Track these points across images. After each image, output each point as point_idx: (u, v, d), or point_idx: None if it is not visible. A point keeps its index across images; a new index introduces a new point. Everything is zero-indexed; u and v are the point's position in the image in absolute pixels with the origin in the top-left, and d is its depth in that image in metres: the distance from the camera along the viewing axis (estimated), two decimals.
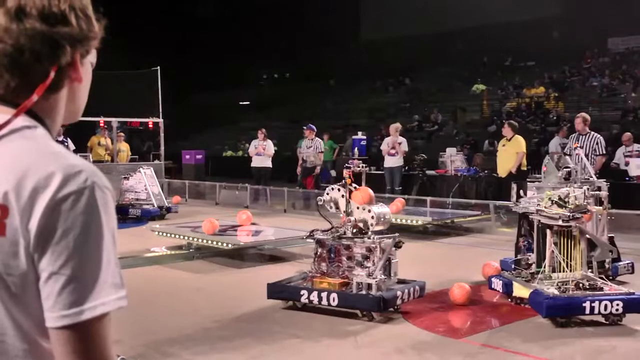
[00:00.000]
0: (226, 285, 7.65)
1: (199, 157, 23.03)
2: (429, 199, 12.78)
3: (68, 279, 1.11)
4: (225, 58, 40.26)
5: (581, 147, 10.08)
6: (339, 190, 6.51)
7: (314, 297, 6.19)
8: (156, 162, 19.10)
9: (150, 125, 19.66)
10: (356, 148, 17.62)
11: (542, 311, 5.70)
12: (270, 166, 16.11)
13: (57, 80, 1.22)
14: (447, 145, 17.80)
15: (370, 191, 6.56)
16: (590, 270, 6.14)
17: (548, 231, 6.12)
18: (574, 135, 11.18)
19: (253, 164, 16.14)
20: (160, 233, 9.77)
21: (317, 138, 15.82)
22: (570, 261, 6.07)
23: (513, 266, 6.79)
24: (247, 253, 9.29)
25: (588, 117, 11.19)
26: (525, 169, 12.33)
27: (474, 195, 12.93)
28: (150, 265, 8.78)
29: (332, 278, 6.32)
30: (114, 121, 18.44)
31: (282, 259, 9.15)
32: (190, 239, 9.35)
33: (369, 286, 6.06)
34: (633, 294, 5.80)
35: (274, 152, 16.29)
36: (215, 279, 8.04)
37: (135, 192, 13.55)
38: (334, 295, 6.10)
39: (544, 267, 6.14)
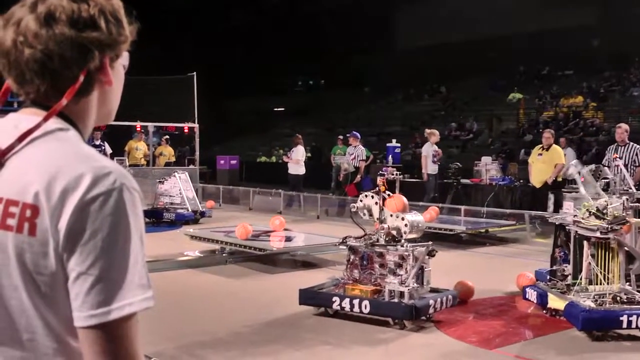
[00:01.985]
0: (258, 291, 7.67)
1: (233, 162, 23.22)
2: (463, 207, 12.67)
3: (96, 279, 1.12)
4: (260, 65, 40.51)
5: (620, 158, 9.90)
6: (372, 197, 6.50)
7: (346, 304, 6.18)
8: (191, 167, 19.28)
9: (186, 130, 19.89)
10: (390, 156, 17.77)
11: (578, 324, 5.61)
12: (302, 173, 16.14)
13: (87, 84, 1.23)
14: (482, 154, 17.67)
15: (404, 199, 6.55)
16: (628, 283, 6.02)
17: (585, 243, 6.03)
18: (612, 146, 10.99)
19: (289, 170, 16.26)
20: (194, 237, 9.85)
21: (360, 146, 15.91)
22: (608, 274, 5.96)
23: (548, 277, 6.69)
24: (280, 258, 9.29)
25: (628, 127, 11.02)
26: (561, 179, 12.16)
27: (509, 205, 12.77)
28: (183, 269, 8.84)
29: (365, 285, 6.31)
30: (150, 126, 18.69)
31: (314, 265, 9.15)
32: (224, 243, 9.39)
33: (401, 294, 6.03)
34: None
35: (300, 158, 16.16)
36: (247, 283, 8.07)
37: (170, 196, 13.68)
38: (365, 302, 6.09)
39: (581, 279, 6.04)
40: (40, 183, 1.15)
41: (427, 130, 15.32)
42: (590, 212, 5.94)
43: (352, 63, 40.21)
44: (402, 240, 6.27)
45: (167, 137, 19.52)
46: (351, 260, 6.47)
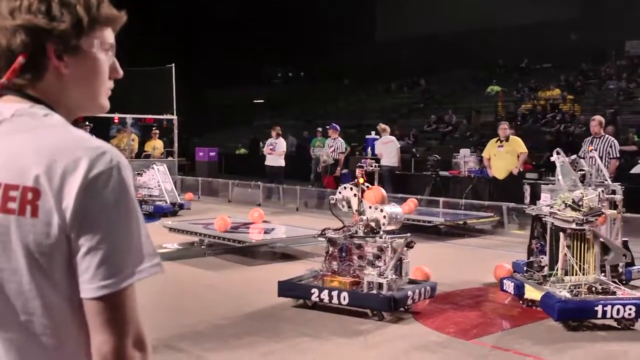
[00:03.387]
0: (237, 283, 7.69)
1: (212, 154, 23.15)
2: (441, 199, 12.75)
3: (107, 252, 1.19)
4: (240, 56, 40.35)
5: (595, 150, 10.02)
6: (351, 189, 6.53)
7: (325, 295, 6.22)
8: (170, 159, 19.22)
9: (165, 122, 19.78)
10: (370, 147, 17.77)
11: (554, 314, 5.68)
12: (283, 165, 16.13)
13: (34, 67, 1.29)
14: (460, 146, 17.76)
15: (383, 191, 6.60)
16: (603, 274, 6.10)
17: (561, 234, 6.08)
18: (588, 138, 11.10)
19: (267, 162, 16.20)
20: (173, 229, 9.82)
21: (339, 138, 15.90)
22: (583, 265, 6.03)
23: (525, 268, 6.75)
24: (259, 251, 9.31)
25: (602, 120, 11.12)
26: (521, 169, 12.35)
27: (486, 197, 12.86)
28: (162, 261, 8.75)
29: (343, 277, 6.35)
30: (128, 118, 18.56)
31: (293, 257, 9.17)
32: (203, 235, 9.39)
33: (380, 285, 6.07)
34: None
35: (284, 150, 16.26)
36: (227, 276, 8.08)
37: (148, 188, 13.61)
38: (344, 294, 6.13)
39: (557, 270, 6.11)
40: (40, 167, 1.20)
41: (381, 126, 15.53)
42: (566, 203, 5.99)
43: (332, 55, 40.22)
44: (381, 232, 6.31)
45: (157, 130, 19.45)
46: (330, 252, 6.50)
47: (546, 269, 6.41)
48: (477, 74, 33.35)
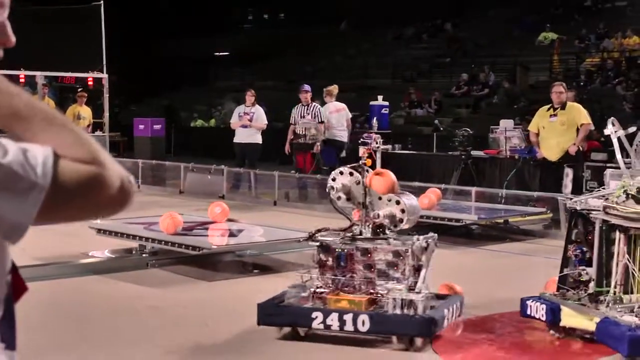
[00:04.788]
0: (192, 304, 7.66)
1: (157, 127, 23.05)
2: (474, 189, 12.78)
3: None
4: None
5: None
6: (351, 174, 6.56)
7: (333, 320, 6.14)
8: (98, 133, 19.17)
9: (90, 83, 19.70)
10: (375, 118, 17.82)
11: (624, 347, 5.64)
12: (260, 142, 16.09)
13: None
14: (501, 116, 17.78)
15: (393, 176, 6.62)
16: None
17: (621, 236, 5.99)
18: None
19: (236, 139, 16.16)
20: (103, 231, 9.75)
21: (315, 104, 15.77)
22: None
23: (558, 285, 6.63)
24: (222, 260, 9.30)
25: None
26: (584, 148, 12.37)
27: (537, 186, 12.92)
28: (88, 274, 8.81)
29: (351, 294, 6.33)
30: (39, 76, 18.47)
31: (269, 269, 9.18)
32: (144, 239, 9.34)
33: (410, 304, 6.05)
34: None
35: (265, 123, 16.20)
36: (177, 295, 8.05)
37: None
38: (363, 317, 6.06)
39: (614, 287, 6.02)
40: None
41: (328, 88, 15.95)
42: (628, 194, 5.94)
43: None
44: (394, 233, 6.38)
45: (84, 93, 19.38)
46: (322, 261, 6.50)
47: (592, 284, 6.26)
48: (525, 16, 33.36)
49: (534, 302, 6.51)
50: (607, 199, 6.12)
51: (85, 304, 7.59)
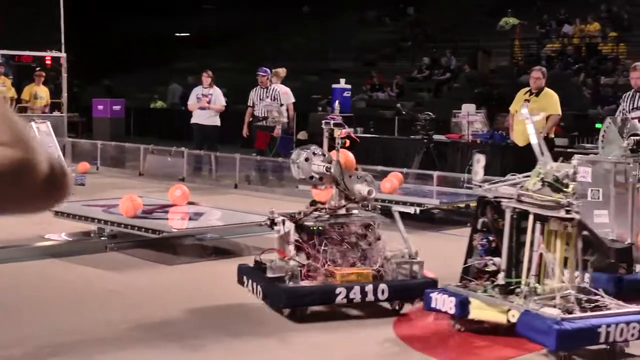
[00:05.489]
0: (151, 288, 7.64)
1: (116, 108, 22.84)
2: (436, 174, 12.80)
3: None
4: None
5: (638, 109, 10.14)
6: (324, 155, 6.77)
7: (355, 294, 6.47)
8: (56, 113, 18.95)
9: (48, 62, 19.45)
10: (337, 102, 17.65)
11: (551, 341, 5.42)
12: (219, 124, 16.05)
13: None
14: (462, 101, 17.82)
15: (352, 156, 6.97)
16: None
17: (536, 225, 5.78)
18: (629, 93, 11.19)
19: (194, 120, 16.09)
20: (60, 214, 9.62)
21: (274, 86, 15.67)
22: (559, 268, 5.83)
23: (461, 275, 6.42)
24: (182, 244, 9.27)
25: None
26: (552, 136, 12.38)
27: (498, 170, 12.92)
28: (44, 258, 8.74)
29: (356, 268, 6.70)
30: None
31: (230, 253, 9.15)
32: (102, 222, 9.30)
33: (411, 268, 6.67)
34: None
35: (224, 104, 16.14)
36: (136, 279, 8.03)
37: None
38: (382, 286, 6.54)
39: (530, 277, 5.78)
40: None
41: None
42: (545, 181, 5.77)
43: None
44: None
45: (42, 72, 19.12)
46: (297, 240, 6.62)
47: (501, 275, 6.01)
48: (486, 2, 33.47)
49: (440, 294, 6.24)
50: (521, 186, 5.95)
51: (42, 287, 7.52)
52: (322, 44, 33.98)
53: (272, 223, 6.75)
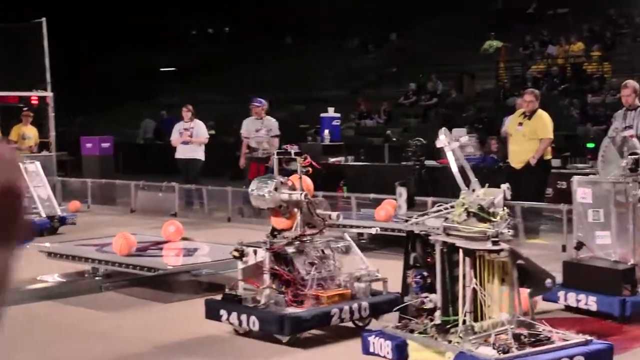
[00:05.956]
0: (150, 327, 7.57)
1: (105, 145, 22.75)
2: (430, 199, 12.70)
3: None
4: (141, 8, 39.83)
5: (631, 127, 10.10)
6: (293, 187, 7.02)
7: (346, 314, 6.81)
8: (44, 153, 18.85)
9: (34, 101, 19.38)
10: (327, 130, 17.71)
11: None
12: (202, 158, 16.05)
13: None
14: (451, 125, 17.78)
15: (311, 182, 7.37)
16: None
17: (466, 259, 5.49)
18: (619, 112, 11.17)
19: (178, 155, 16.09)
20: (53, 255, 9.61)
21: (269, 117, 15.65)
22: (492, 302, 5.58)
23: (399, 315, 6.04)
24: (178, 281, 9.17)
25: (638, 86, 11.19)
26: (549, 157, 12.33)
27: None
28: (38, 300, 8.65)
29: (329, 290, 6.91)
30: None
31: (224, 287, 9.04)
32: (96, 262, 9.24)
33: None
34: (591, 341, 5.51)
35: (207, 137, 16.10)
36: (133, 318, 7.97)
37: None
38: (364, 304, 6.91)
39: (465, 315, 5.49)
40: None
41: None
42: (469, 212, 5.51)
43: (269, 3, 40.00)
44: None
45: (30, 112, 19.03)
46: (272, 269, 6.79)
47: (438, 313, 5.68)
48: (469, 24, 33.61)
49: (377, 337, 5.92)
50: (446, 218, 5.65)
51: (31, 331, 7.38)
52: (306, 73, 34.02)
53: (242, 254, 6.90)
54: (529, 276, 5.58)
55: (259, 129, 15.36)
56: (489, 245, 5.28)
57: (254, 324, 6.59)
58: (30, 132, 19.00)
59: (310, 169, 6.96)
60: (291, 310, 6.57)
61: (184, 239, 10.16)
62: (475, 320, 5.44)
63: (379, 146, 21.60)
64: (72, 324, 7.70)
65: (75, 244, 10.13)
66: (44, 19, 18.96)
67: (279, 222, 7.01)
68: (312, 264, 6.91)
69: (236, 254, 6.91)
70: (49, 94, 19.04)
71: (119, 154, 24.73)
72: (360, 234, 11.68)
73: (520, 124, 12.15)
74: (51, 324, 7.74)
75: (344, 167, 16.66)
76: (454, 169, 5.82)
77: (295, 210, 6.97)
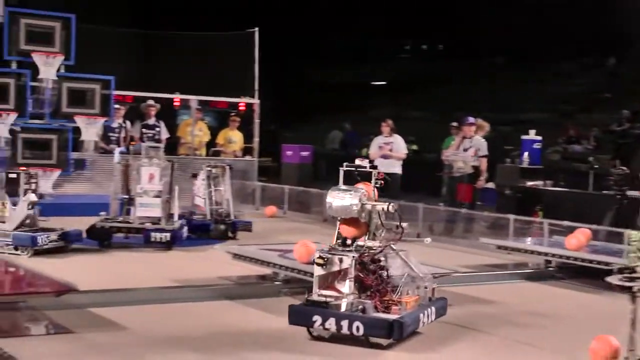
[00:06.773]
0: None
1: (304, 154, 23.11)
2: (627, 232, 12.07)
3: None
4: (353, 22, 40.34)
5: None
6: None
7: (426, 318, 7.27)
8: (247, 158, 19.37)
9: (242, 107, 19.97)
10: (526, 153, 17.23)
11: None
12: (400, 172, 16.02)
13: None
14: None
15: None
16: None
17: None
18: None
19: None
20: (238, 256, 9.94)
21: (478, 137, 15.45)
22: None
23: None
24: None
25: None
26: None
27: None
28: (219, 299, 8.83)
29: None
30: (193, 100, 18.86)
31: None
32: (277, 267, 9.37)
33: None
34: None
35: (406, 152, 16.08)
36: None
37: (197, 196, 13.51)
38: (432, 309, 7.42)
39: None
40: None
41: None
42: None
43: (484, 23, 39.46)
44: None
45: (237, 117, 19.69)
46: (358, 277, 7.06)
47: None
48: None
49: None
50: None
51: (209, 329, 7.48)
52: (515, 94, 33.42)
53: (326, 262, 7.01)
54: None
55: (468, 148, 15.26)
56: None
57: (358, 330, 6.70)
58: (236, 137, 19.64)
59: (382, 182, 7.42)
60: (395, 316, 6.83)
61: None
62: None
63: (585, 172, 20.81)
64: (246, 326, 7.72)
65: (260, 248, 10.30)
66: (256, 28, 19.51)
67: (349, 231, 7.25)
68: (384, 271, 7.25)
69: (320, 261, 7.03)
70: (256, 101, 19.57)
71: (317, 162, 25.13)
72: (549, 261, 11.26)
73: None
74: (226, 324, 7.77)
75: (542, 191, 16.17)
76: None
77: (374, 219, 7.36)
